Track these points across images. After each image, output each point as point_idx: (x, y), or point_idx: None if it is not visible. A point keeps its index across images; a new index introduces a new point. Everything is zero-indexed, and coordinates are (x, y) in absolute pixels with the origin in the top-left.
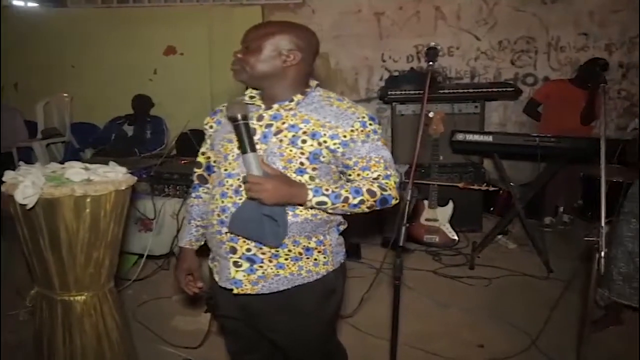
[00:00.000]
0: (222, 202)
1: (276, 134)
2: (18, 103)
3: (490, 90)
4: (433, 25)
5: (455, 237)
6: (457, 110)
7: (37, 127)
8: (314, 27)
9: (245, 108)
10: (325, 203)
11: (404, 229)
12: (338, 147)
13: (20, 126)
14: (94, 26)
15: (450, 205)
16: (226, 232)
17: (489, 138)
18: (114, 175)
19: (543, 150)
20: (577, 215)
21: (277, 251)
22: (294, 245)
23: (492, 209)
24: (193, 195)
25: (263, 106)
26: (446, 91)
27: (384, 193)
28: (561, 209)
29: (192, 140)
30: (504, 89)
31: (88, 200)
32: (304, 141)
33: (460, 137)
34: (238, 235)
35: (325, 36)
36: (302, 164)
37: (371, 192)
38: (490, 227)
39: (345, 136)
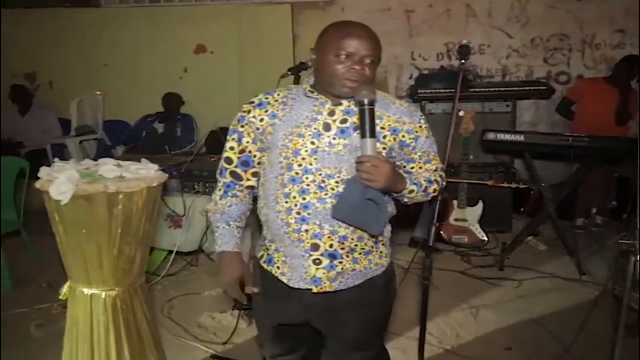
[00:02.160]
0: (304, 198)
1: (356, 129)
2: (53, 101)
3: (522, 88)
4: (464, 22)
5: (485, 238)
6: (488, 109)
7: (71, 124)
8: None
9: (373, 94)
10: (413, 191)
11: (434, 228)
12: (412, 142)
13: (54, 123)
14: (127, 25)
15: (480, 205)
16: (306, 230)
17: (521, 137)
18: (145, 172)
19: (576, 150)
20: (610, 217)
21: (356, 245)
22: (368, 239)
23: (522, 209)
24: (229, 194)
25: (329, 101)
26: (477, 90)
27: (442, 183)
28: (594, 210)
29: (222, 137)
30: (536, 88)
31: (120, 196)
32: (384, 136)
33: (491, 136)
34: (343, 223)
35: None
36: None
37: (437, 182)
38: (520, 228)
39: (416, 131)
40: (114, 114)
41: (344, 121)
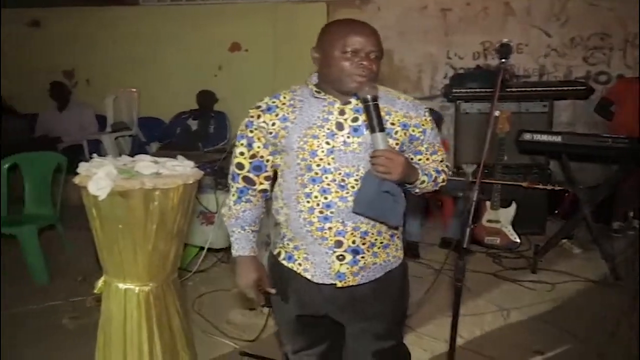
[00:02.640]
0: (325, 198)
1: (368, 126)
2: (90, 98)
3: (559, 88)
4: (501, 21)
5: (517, 240)
6: (524, 109)
7: (107, 120)
8: (379, 23)
9: (375, 90)
10: (424, 182)
11: (468, 230)
12: (420, 135)
13: (91, 120)
14: (163, 23)
15: (513, 206)
16: (329, 228)
17: (558, 138)
18: (182, 169)
19: (615, 152)
20: None
21: (376, 239)
22: (385, 232)
23: (556, 211)
24: (243, 199)
25: (338, 100)
26: (513, 89)
27: (449, 173)
28: (631, 213)
29: None
30: (574, 88)
31: (157, 193)
32: (396, 132)
33: (527, 137)
34: (365, 218)
35: (389, 32)
36: None
37: (444, 172)
38: (555, 231)
39: (423, 124)
40: (148, 111)
41: (355, 120)
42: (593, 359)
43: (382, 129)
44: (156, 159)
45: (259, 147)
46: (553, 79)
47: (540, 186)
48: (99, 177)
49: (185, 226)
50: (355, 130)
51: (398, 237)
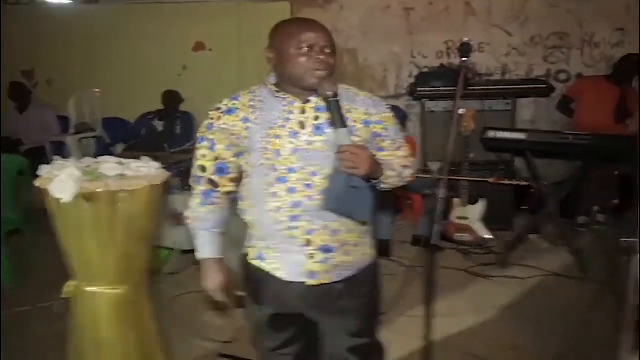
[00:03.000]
0: (292, 197)
1: (331, 125)
2: (51, 99)
3: (521, 87)
4: (463, 20)
5: (489, 236)
6: (488, 108)
7: (70, 122)
8: (343, 23)
9: (335, 86)
10: (390, 176)
11: (436, 227)
12: (383, 132)
13: (53, 121)
14: (125, 22)
15: (482, 203)
16: (298, 227)
17: (522, 135)
18: (147, 170)
19: (577, 148)
20: (612, 215)
21: (346, 237)
22: (357, 230)
23: (523, 207)
24: (207, 202)
25: (298, 99)
26: (477, 88)
27: (414, 168)
28: (596, 208)
29: None
30: (536, 86)
31: (122, 194)
32: (358, 129)
33: (492, 134)
34: (334, 217)
35: (353, 32)
36: None
37: (409, 167)
38: (522, 226)
39: (385, 121)
40: (113, 111)
41: (316, 118)
42: (565, 350)
43: (344, 125)
44: (121, 160)
45: (221, 149)
46: (515, 78)
47: (507, 182)
48: (61, 180)
49: (155, 228)
50: (318, 128)
51: (370, 235)
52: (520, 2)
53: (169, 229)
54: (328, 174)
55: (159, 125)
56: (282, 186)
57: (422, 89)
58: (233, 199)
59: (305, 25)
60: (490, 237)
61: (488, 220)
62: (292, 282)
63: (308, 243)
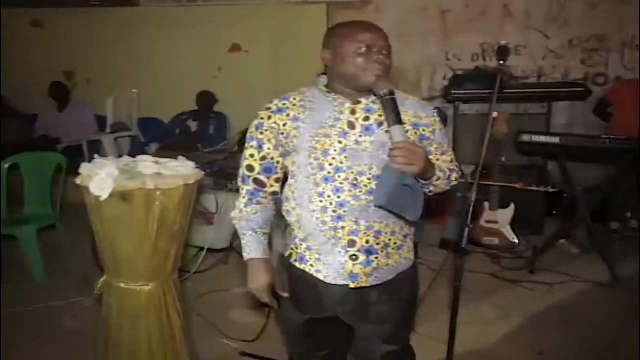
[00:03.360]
0: (338, 197)
1: (379, 125)
2: (90, 98)
3: (557, 90)
4: (500, 22)
5: (515, 240)
6: (523, 111)
7: (106, 121)
8: (378, 24)
9: (390, 85)
10: (440, 178)
11: (466, 230)
12: (430, 135)
13: (91, 120)
14: (163, 24)
15: (512, 207)
16: (343, 227)
17: (556, 139)
18: (183, 170)
19: (612, 153)
20: None
21: (389, 239)
22: (399, 233)
23: (554, 212)
24: (253, 201)
25: (348, 100)
26: (511, 91)
27: (459, 172)
28: (629, 214)
29: None
30: (572, 89)
31: (158, 193)
32: (407, 131)
33: (525, 137)
34: (378, 218)
35: (388, 33)
36: None
37: (456, 171)
38: (553, 231)
39: (432, 124)
40: (148, 111)
41: (366, 119)
42: (592, 359)
43: (400, 122)
44: (157, 159)
45: (269, 148)
46: (551, 81)
47: (534, 188)
48: (100, 177)
49: (186, 226)
50: (367, 129)
51: (410, 238)
52: (559, 4)
53: (199, 227)
54: (374, 174)
55: (193, 125)
56: (328, 185)
57: (456, 91)
58: (276, 199)
59: (363, 26)
60: (516, 241)
61: (518, 224)
62: (332, 284)
63: (351, 244)
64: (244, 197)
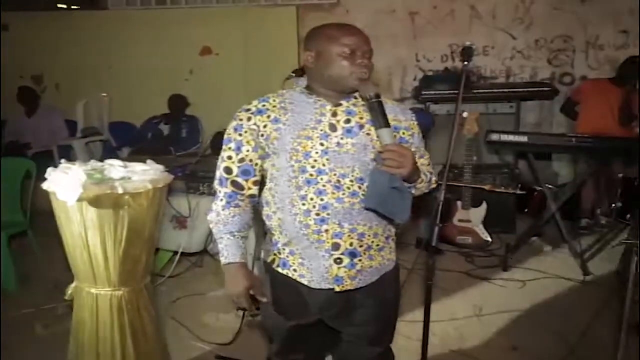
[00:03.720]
0: (322, 199)
1: (361, 128)
2: (59, 103)
3: (525, 90)
4: (468, 24)
5: (488, 238)
6: (492, 110)
7: (77, 126)
8: None
9: (377, 88)
10: (422, 180)
11: (436, 229)
12: (410, 138)
13: (61, 125)
14: (133, 27)
15: (484, 206)
16: (326, 230)
17: (524, 138)
18: (152, 173)
19: (580, 151)
20: (615, 217)
21: (372, 242)
22: (382, 235)
23: (526, 210)
24: (232, 204)
25: (329, 103)
26: (481, 91)
27: (435, 176)
28: (598, 210)
29: None
30: (540, 89)
31: (127, 197)
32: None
33: (495, 137)
34: (361, 221)
35: None
36: None
37: (433, 174)
38: (524, 229)
39: (412, 128)
40: (119, 115)
41: (347, 121)
42: (565, 353)
43: (388, 125)
44: (126, 163)
45: (248, 150)
46: (519, 81)
47: (502, 190)
48: (67, 182)
49: (157, 230)
50: (349, 131)
51: (393, 239)
52: (524, 6)
53: (172, 231)
54: (357, 176)
55: (165, 129)
56: (311, 188)
57: (426, 92)
58: (253, 203)
59: (348, 29)
60: (489, 239)
61: (491, 222)
62: (317, 289)
63: (335, 247)
64: (221, 200)
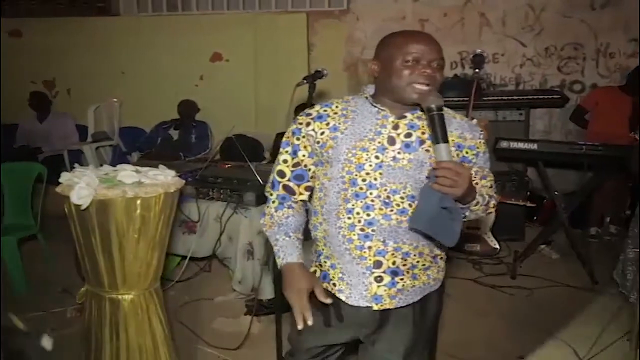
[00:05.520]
0: (368, 215)
1: (421, 143)
2: (70, 108)
3: (535, 97)
4: (478, 31)
5: (497, 246)
6: (502, 118)
7: (88, 130)
8: (358, 33)
9: (440, 100)
10: (478, 203)
11: None
12: (473, 158)
13: (72, 130)
14: (144, 33)
15: (492, 213)
16: (369, 247)
17: (534, 146)
18: (163, 178)
19: (590, 159)
20: (624, 225)
21: (418, 261)
22: (428, 254)
23: (535, 218)
24: (285, 205)
25: (392, 115)
26: (490, 98)
27: (497, 199)
28: (608, 219)
29: (236, 145)
30: (550, 96)
31: (138, 201)
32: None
33: (504, 144)
34: (407, 240)
35: (369, 43)
36: None
37: (494, 198)
38: (533, 237)
39: (478, 147)
40: (130, 120)
41: (408, 135)
42: None
43: (446, 140)
44: (138, 168)
45: (303, 155)
46: (529, 88)
47: (512, 201)
48: (80, 187)
49: (167, 235)
50: (407, 146)
51: (441, 259)
52: (535, 13)
53: (181, 236)
54: (409, 194)
55: (175, 134)
56: (359, 202)
57: None
58: (304, 207)
59: (414, 37)
60: (498, 247)
61: (499, 230)
62: (355, 305)
63: (377, 265)
64: (274, 202)
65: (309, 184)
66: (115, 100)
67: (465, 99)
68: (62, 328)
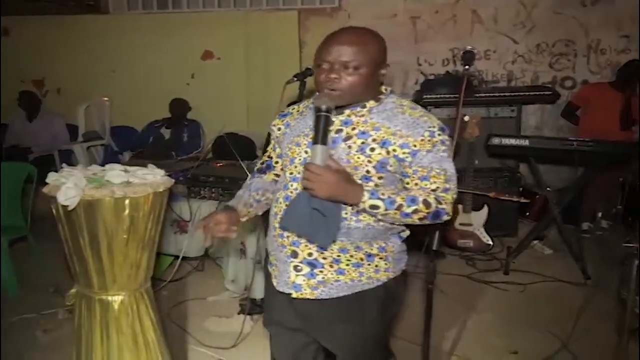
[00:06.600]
0: (286, 205)
1: (345, 139)
2: (61, 107)
3: (527, 93)
4: (469, 28)
5: (490, 242)
6: (493, 114)
7: (78, 130)
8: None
9: (332, 102)
10: (378, 207)
11: (437, 233)
12: (407, 157)
13: (62, 129)
14: (134, 31)
15: (485, 209)
16: (288, 236)
17: (526, 142)
18: (152, 178)
19: (581, 155)
20: (616, 221)
21: (339, 256)
22: (355, 251)
23: (527, 213)
24: (255, 176)
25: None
26: (482, 95)
27: (439, 206)
28: (599, 214)
29: (228, 143)
30: (541, 93)
31: (127, 201)
32: (372, 149)
33: (496, 141)
34: (298, 237)
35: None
36: (368, 171)
37: (427, 203)
38: (526, 232)
39: (415, 145)
40: (121, 119)
41: (338, 131)
42: (566, 356)
43: (324, 142)
44: (126, 167)
45: (271, 148)
46: (521, 85)
47: (507, 197)
48: (68, 187)
49: (157, 235)
50: (334, 142)
51: (382, 258)
52: (526, 10)
53: (173, 236)
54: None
55: (166, 133)
56: (282, 193)
57: (428, 96)
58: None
59: (330, 41)
60: (490, 243)
61: (492, 226)
62: (281, 292)
63: (294, 255)
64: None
65: (277, 172)
66: (106, 99)
67: (456, 95)
68: (54, 330)
